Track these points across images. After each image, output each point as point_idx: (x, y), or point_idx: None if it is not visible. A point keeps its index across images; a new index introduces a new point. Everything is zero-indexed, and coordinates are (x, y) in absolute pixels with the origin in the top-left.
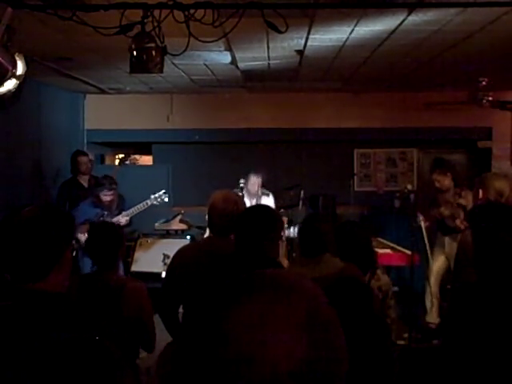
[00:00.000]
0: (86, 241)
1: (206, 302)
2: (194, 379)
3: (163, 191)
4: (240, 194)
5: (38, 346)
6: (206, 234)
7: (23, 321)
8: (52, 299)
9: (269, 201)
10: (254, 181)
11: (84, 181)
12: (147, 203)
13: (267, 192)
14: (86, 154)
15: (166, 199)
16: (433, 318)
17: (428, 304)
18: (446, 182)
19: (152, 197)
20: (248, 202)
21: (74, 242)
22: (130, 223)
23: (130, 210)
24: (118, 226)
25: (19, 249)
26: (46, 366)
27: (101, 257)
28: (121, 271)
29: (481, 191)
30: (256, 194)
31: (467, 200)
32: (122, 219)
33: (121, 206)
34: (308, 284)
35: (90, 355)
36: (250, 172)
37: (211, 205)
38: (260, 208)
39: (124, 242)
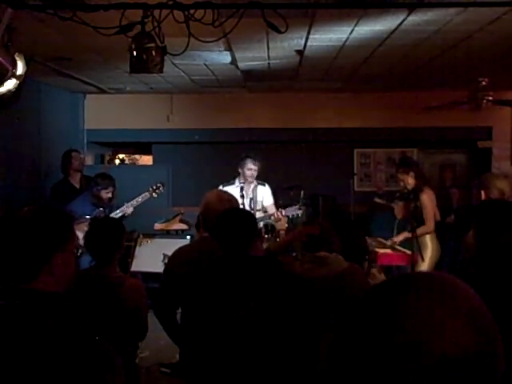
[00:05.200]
0: (85, 235)
1: (374, 295)
2: (363, 366)
3: (160, 183)
4: (237, 186)
5: (27, 343)
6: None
7: (14, 319)
8: (43, 297)
9: (265, 190)
10: (251, 166)
11: (75, 182)
12: (146, 195)
13: (263, 182)
14: (78, 151)
15: (162, 190)
16: None
17: None
18: (410, 180)
19: (150, 189)
20: (241, 192)
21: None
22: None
23: (133, 201)
24: (120, 222)
25: (7, 249)
26: (36, 364)
27: (100, 251)
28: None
29: (483, 192)
30: (251, 182)
31: (423, 201)
32: (128, 209)
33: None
34: (466, 285)
35: (81, 356)
36: (247, 158)
37: (206, 205)
38: (237, 217)
39: (124, 237)
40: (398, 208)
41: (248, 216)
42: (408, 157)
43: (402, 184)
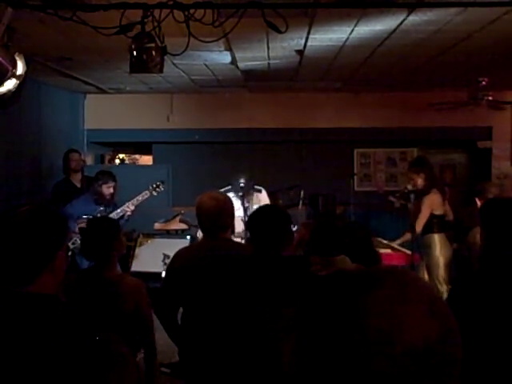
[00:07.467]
0: (80, 239)
1: (336, 293)
2: (331, 367)
3: (160, 181)
4: (240, 193)
5: (32, 349)
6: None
7: (14, 324)
8: (43, 301)
9: (262, 196)
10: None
11: (77, 181)
12: (147, 193)
13: (259, 188)
14: (77, 152)
15: (162, 188)
16: None
17: None
18: (419, 181)
19: (150, 187)
20: (239, 200)
21: (68, 242)
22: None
23: (134, 200)
24: (113, 221)
25: (6, 252)
26: (39, 369)
27: (95, 251)
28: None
29: (478, 200)
30: (247, 194)
31: (423, 204)
32: (129, 208)
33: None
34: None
35: (85, 357)
36: (242, 174)
37: (199, 206)
38: (269, 214)
39: (119, 234)
40: (414, 208)
41: (280, 213)
42: (423, 157)
43: (411, 183)
